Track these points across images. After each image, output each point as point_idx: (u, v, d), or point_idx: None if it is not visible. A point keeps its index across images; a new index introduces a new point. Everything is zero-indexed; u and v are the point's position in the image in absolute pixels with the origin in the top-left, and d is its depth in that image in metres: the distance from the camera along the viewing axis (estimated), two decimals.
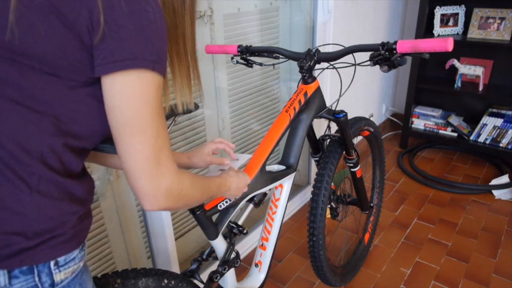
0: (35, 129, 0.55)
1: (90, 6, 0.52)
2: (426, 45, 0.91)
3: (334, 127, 1.42)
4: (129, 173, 0.59)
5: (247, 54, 1.27)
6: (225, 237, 1.06)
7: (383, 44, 0.99)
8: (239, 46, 1.26)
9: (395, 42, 0.96)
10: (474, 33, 2.47)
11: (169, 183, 0.62)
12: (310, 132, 1.37)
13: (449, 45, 0.87)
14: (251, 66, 1.30)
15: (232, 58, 1.29)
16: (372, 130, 1.53)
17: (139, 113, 0.56)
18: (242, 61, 1.29)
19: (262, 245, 1.20)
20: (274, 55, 1.23)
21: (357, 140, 2.51)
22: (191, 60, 0.72)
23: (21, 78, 0.53)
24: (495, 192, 2.29)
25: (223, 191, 0.87)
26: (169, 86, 0.70)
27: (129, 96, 0.56)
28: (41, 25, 0.52)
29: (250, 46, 1.26)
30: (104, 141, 0.73)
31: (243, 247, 1.84)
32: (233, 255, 1.06)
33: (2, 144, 0.54)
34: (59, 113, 0.56)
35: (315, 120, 1.24)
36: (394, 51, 0.97)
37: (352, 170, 1.45)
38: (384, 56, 0.99)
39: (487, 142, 2.54)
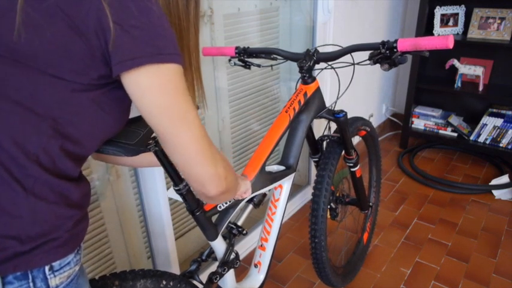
0: (33, 131, 0.55)
1: (97, 10, 0.53)
2: (427, 43, 0.91)
3: (332, 128, 1.42)
4: (185, 162, 0.60)
5: (245, 55, 1.26)
6: (224, 237, 1.06)
7: (383, 43, 0.99)
8: (237, 48, 1.25)
9: (395, 41, 0.96)
10: (474, 33, 2.47)
11: (222, 159, 0.64)
12: (309, 133, 1.36)
13: (450, 43, 0.88)
14: (249, 68, 1.30)
15: (229, 60, 1.29)
16: (369, 130, 1.53)
17: (172, 101, 0.57)
18: (240, 63, 1.29)
19: (261, 245, 1.20)
20: (272, 56, 1.23)
21: (356, 140, 2.51)
22: (195, 72, 0.72)
23: (24, 79, 0.54)
24: (495, 192, 2.29)
25: (237, 187, 0.87)
26: None
27: (157, 87, 0.56)
28: (47, 27, 0.53)
29: (248, 47, 1.25)
30: (105, 143, 0.73)
31: (243, 247, 1.84)
32: (232, 255, 1.06)
33: (1, 144, 0.54)
34: (58, 115, 0.56)
35: (313, 121, 1.23)
36: (395, 50, 0.97)
37: (352, 169, 1.45)
38: (384, 54, 0.99)
39: (487, 142, 2.53)
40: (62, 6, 0.53)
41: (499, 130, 2.49)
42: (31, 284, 0.58)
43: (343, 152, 1.39)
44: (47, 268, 0.59)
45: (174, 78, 0.57)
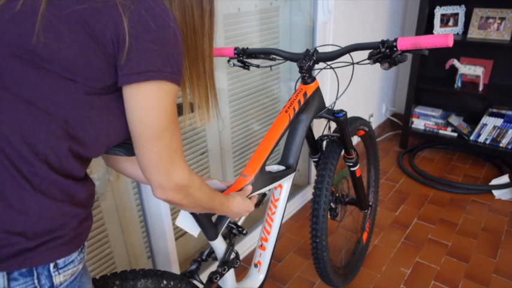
0: (44, 131, 0.57)
1: (116, 21, 0.55)
2: (427, 41, 0.91)
3: (332, 127, 1.42)
4: (144, 168, 0.64)
5: (244, 56, 1.26)
6: (224, 237, 1.06)
7: (383, 42, 0.99)
8: (236, 48, 1.25)
9: (395, 40, 0.97)
10: (474, 33, 2.47)
11: (180, 178, 0.66)
12: (309, 133, 1.36)
13: (449, 41, 0.88)
14: (248, 69, 1.30)
15: (228, 61, 1.29)
16: (367, 129, 1.53)
17: (157, 121, 0.61)
18: (239, 63, 1.29)
19: (261, 245, 1.20)
20: (271, 56, 1.23)
21: (357, 140, 2.51)
22: (209, 80, 0.76)
23: (39, 80, 0.55)
24: (495, 192, 2.29)
25: (225, 210, 0.89)
26: None
27: (149, 105, 0.60)
28: (67, 33, 0.55)
29: (247, 48, 1.25)
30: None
31: (243, 247, 1.84)
32: (233, 255, 1.06)
33: (11, 141, 0.55)
34: (69, 117, 0.58)
35: (313, 120, 1.23)
36: (395, 49, 0.97)
37: (352, 169, 1.45)
38: (384, 53, 0.99)
39: (487, 142, 2.53)
40: (82, 14, 0.55)
41: (499, 130, 2.49)
42: (36, 281, 0.59)
43: (342, 152, 1.39)
44: (51, 265, 0.60)
45: (167, 98, 0.61)
